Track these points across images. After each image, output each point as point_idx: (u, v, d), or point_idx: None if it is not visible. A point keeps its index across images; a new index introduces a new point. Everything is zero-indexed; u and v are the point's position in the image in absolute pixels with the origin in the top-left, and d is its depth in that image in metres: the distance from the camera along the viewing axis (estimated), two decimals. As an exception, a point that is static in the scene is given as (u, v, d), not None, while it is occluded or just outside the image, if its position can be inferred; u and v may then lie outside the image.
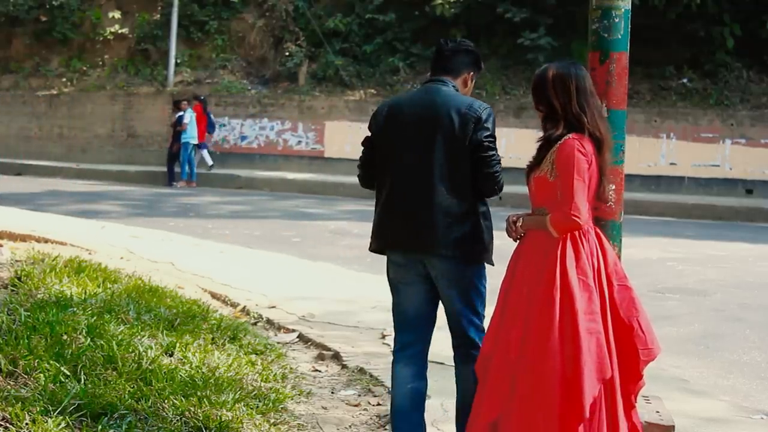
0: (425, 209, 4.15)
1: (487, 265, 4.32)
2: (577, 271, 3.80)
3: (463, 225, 4.13)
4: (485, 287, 4.30)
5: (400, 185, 4.24)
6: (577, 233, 3.86)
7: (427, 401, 5.27)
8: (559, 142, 3.88)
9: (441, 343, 6.44)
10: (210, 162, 21.48)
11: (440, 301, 4.43)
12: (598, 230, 4.01)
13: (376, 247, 4.46)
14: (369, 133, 4.42)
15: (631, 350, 3.86)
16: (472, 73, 4.38)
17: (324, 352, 6.50)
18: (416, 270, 4.28)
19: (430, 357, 6.12)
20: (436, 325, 6.75)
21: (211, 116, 21.82)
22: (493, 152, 4.13)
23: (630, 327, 3.86)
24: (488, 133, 4.13)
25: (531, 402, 3.74)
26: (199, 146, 21.28)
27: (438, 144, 4.14)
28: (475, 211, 4.17)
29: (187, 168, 20.87)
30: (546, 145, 3.95)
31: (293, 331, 7.07)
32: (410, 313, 4.39)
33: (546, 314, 3.76)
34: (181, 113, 20.88)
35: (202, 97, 21.83)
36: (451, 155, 4.13)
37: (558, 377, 3.71)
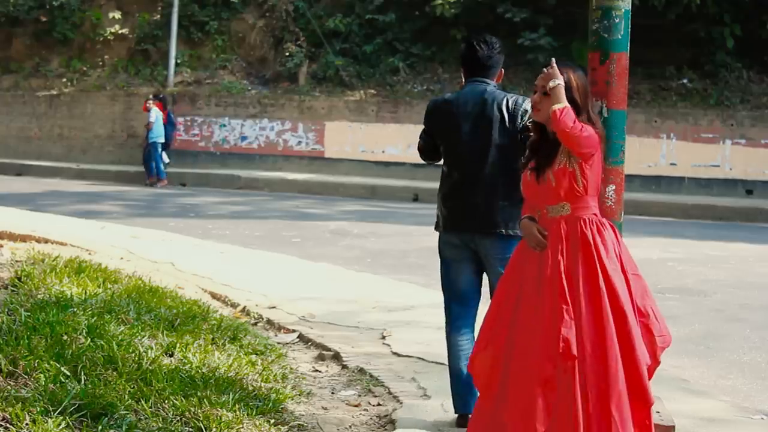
0: (481, 194, 4.69)
1: None
2: (608, 260, 3.87)
3: (513, 207, 4.60)
4: None
5: (457, 173, 4.79)
6: (599, 223, 3.92)
7: (427, 401, 5.28)
8: None
9: (441, 344, 6.43)
10: (166, 160, 21.64)
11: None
12: (611, 223, 4.07)
13: (438, 227, 4.97)
14: (413, 128, 4.97)
15: (648, 337, 3.91)
16: (502, 68, 4.96)
17: (324, 352, 6.49)
18: (468, 249, 4.78)
19: (430, 358, 6.15)
20: (439, 325, 6.77)
21: (171, 115, 22.01)
22: None
23: (646, 314, 3.93)
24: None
25: (601, 398, 3.74)
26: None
27: (492, 136, 4.70)
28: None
29: (154, 165, 20.89)
30: (544, 144, 3.95)
31: (293, 331, 7.07)
32: (461, 288, 4.86)
33: (598, 307, 3.79)
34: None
35: (161, 96, 22.00)
36: (503, 146, 4.70)
37: (622, 368, 3.75)
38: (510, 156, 4.64)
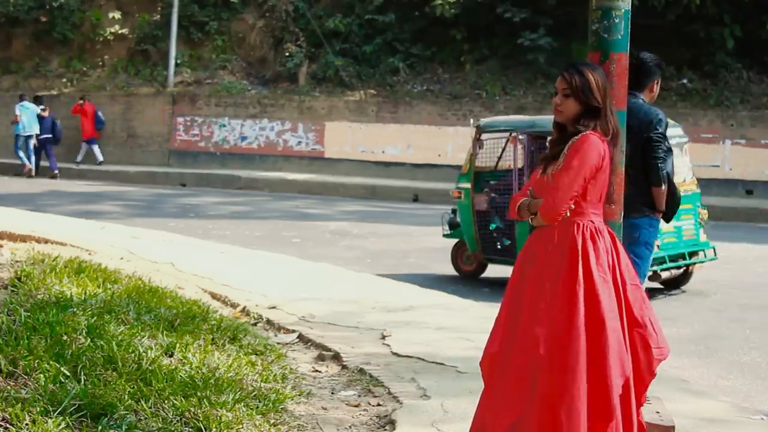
0: (628, 186, 5.10)
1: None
2: (597, 268, 3.80)
3: (643, 196, 5.44)
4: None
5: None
6: (593, 230, 3.86)
7: (426, 401, 5.28)
8: (577, 137, 3.87)
9: (441, 344, 6.43)
10: (100, 158, 23.21)
11: None
12: (611, 229, 4.02)
13: None
14: None
15: (644, 348, 3.87)
16: (655, 80, 5.64)
17: (324, 352, 6.49)
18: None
19: (430, 358, 6.14)
20: (439, 325, 6.76)
21: (99, 113, 23.43)
22: (658, 145, 5.51)
23: (643, 325, 3.87)
24: (658, 131, 5.52)
25: (555, 401, 3.70)
26: (89, 141, 23.33)
27: (632, 142, 5.07)
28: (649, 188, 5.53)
29: (23, 155, 22.21)
30: (562, 140, 3.94)
31: (293, 331, 7.06)
32: None
33: (571, 311, 3.73)
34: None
35: (83, 97, 23.53)
36: (638, 150, 5.38)
37: (584, 375, 3.69)
38: (641, 157, 5.48)
